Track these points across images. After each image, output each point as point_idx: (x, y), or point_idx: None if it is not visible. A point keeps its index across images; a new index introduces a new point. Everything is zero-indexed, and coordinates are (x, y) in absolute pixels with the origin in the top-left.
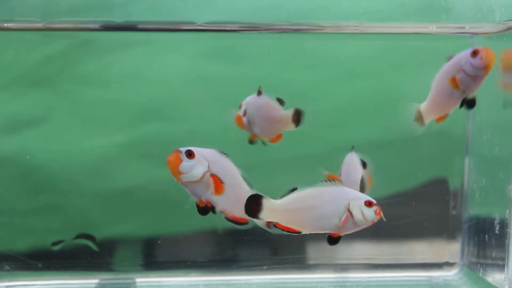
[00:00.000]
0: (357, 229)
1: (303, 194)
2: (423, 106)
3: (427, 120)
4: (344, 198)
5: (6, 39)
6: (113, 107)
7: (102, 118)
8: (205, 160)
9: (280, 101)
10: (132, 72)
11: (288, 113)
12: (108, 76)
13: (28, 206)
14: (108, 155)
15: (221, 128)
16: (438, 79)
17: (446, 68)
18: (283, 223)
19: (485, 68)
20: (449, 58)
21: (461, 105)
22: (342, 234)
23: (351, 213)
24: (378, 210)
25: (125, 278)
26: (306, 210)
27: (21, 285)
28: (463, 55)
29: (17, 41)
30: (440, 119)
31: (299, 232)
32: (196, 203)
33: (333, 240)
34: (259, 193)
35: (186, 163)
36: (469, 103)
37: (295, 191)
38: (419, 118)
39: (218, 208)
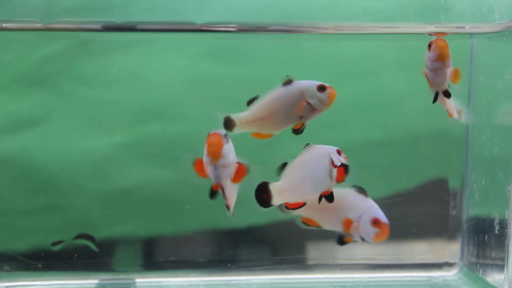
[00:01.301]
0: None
1: (296, 166)
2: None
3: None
4: (326, 154)
5: (6, 39)
6: (113, 107)
7: (102, 118)
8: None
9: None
10: (132, 72)
11: None
12: (108, 76)
13: (28, 206)
14: (108, 155)
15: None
16: None
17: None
18: (291, 200)
19: (440, 58)
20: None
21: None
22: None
23: (332, 162)
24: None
25: (125, 278)
26: (305, 179)
27: (21, 285)
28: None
29: (17, 41)
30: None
31: (305, 203)
32: (211, 186)
33: (329, 197)
34: (264, 181)
35: (226, 146)
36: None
37: (287, 165)
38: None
39: (226, 194)
